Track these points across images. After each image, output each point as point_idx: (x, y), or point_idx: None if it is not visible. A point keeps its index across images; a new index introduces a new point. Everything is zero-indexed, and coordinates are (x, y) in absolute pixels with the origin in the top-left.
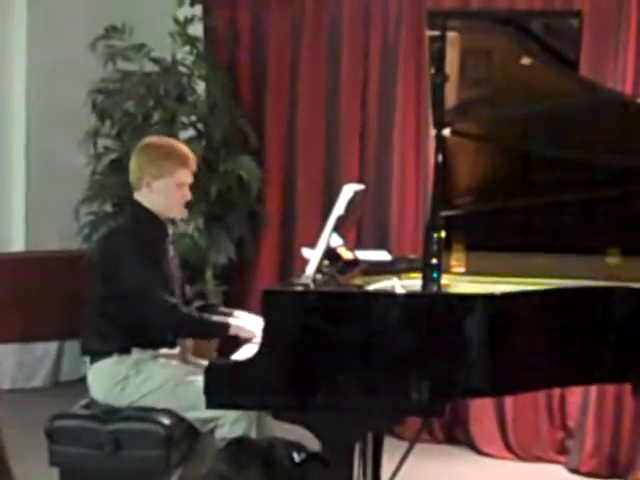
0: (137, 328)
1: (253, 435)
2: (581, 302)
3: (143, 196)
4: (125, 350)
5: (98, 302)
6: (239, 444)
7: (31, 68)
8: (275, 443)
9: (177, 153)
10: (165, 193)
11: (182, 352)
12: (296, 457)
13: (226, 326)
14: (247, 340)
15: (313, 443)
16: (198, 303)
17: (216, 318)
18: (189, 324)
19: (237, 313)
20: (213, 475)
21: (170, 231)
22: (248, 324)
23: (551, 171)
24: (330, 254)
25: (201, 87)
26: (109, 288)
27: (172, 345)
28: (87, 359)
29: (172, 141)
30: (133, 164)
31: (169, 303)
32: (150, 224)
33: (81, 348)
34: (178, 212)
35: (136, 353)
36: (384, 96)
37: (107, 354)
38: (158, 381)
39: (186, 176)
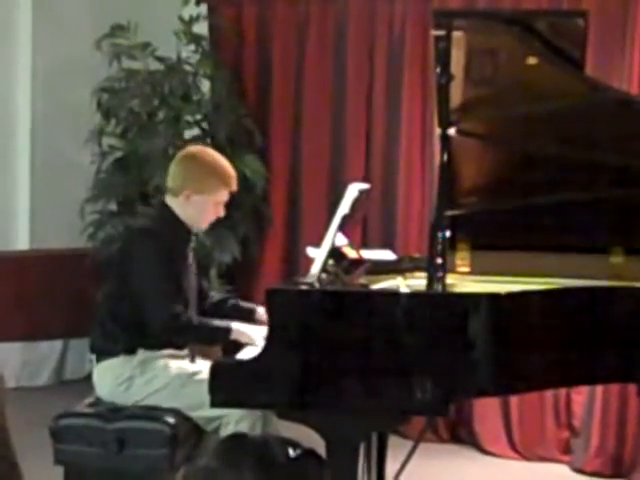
0: (144, 329)
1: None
2: (585, 302)
3: (176, 204)
4: (131, 351)
5: (108, 301)
6: (234, 441)
7: (36, 66)
8: (270, 439)
9: (224, 172)
10: (201, 209)
11: (191, 353)
12: (291, 453)
13: (227, 331)
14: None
15: (318, 442)
16: (219, 296)
17: (217, 323)
18: (189, 332)
19: (261, 309)
20: (209, 472)
21: (193, 238)
22: (250, 330)
23: (556, 170)
24: (335, 253)
25: (206, 86)
26: (121, 286)
27: (180, 347)
28: (93, 357)
29: (220, 158)
30: (176, 171)
31: (171, 311)
32: (175, 229)
33: (90, 346)
34: (205, 226)
35: (141, 353)
36: (390, 95)
37: (113, 354)
38: (163, 381)
39: (225, 196)
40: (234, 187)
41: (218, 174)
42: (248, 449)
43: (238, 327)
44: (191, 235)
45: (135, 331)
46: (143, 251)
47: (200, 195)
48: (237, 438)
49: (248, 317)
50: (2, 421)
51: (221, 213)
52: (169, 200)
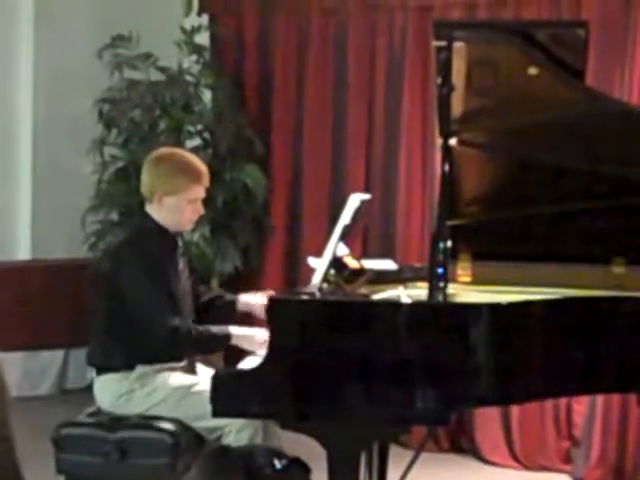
0: (141, 345)
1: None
2: (587, 312)
3: (154, 210)
4: (130, 367)
5: (104, 317)
6: (220, 454)
7: (38, 77)
8: (255, 451)
9: (191, 169)
10: (177, 209)
11: (190, 363)
12: (277, 464)
13: (227, 338)
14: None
15: (320, 451)
16: (207, 296)
17: (216, 331)
18: (190, 344)
19: (242, 298)
20: None
21: (180, 243)
22: (250, 334)
23: (557, 180)
24: (336, 263)
25: (207, 96)
26: (114, 304)
27: (180, 359)
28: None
29: (186, 155)
30: (145, 177)
31: (170, 325)
32: (158, 237)
33: (87, 359)
34: (188, 226)
35: (140, 367)
36: (390, 105)
37: (112, 369)
38: (162, 394)
39: (199, 192)
40: (206, 183)
41: (186, 172)
42: (234, 462)
43: (237, 332)
44: (177, 240)
45: (133, 347)
46: (128, 266)
47: (172, 196)
48: (223, 451)
49: (231, 311)
50: (7, 432)
51: (201, 211)
52: (147, 208)
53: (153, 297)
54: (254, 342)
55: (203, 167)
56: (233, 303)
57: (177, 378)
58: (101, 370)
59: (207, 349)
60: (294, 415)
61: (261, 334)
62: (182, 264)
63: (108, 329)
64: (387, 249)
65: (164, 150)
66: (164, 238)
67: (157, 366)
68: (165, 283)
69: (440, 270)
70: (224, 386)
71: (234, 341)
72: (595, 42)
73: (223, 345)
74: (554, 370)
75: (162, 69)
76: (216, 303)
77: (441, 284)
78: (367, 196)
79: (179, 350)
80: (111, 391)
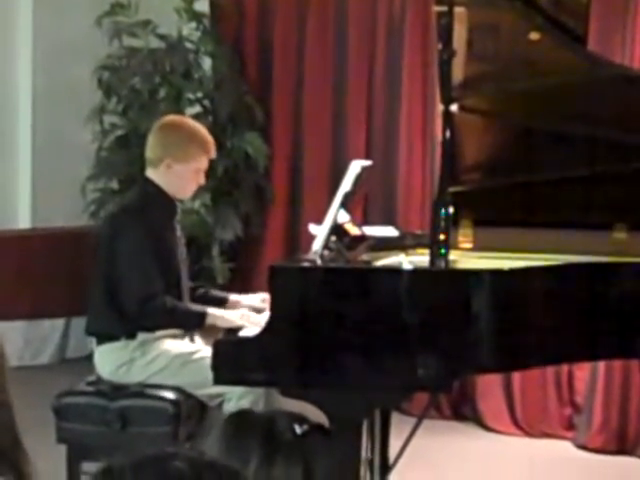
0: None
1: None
2: (588, 277)
3: (159, 174)
4: (131, 334)
5: (102, 284)
6: (240, 418)
7: (37, 45)
8: (276, 416)
9: (202, 139)
10: (183, 177)
11: (189, 333)
12: (298, 429)
13: (202, 316)
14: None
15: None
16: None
17: (194, 308)
18: (161, 316)
19: (233, 297)
20: (215, 450)
21: (178, 210)
22: (228, 313)
23: (558, 146)
24: (337, 230)
25: (207, 63)
26: (111, 269)
27: (156, 329)
28: (93, 338)
29: (196, 124)
30: (154, 141)
31: (146, 292)
32: (160, 203)
33: (86, 329)
34: (188, 196)
35: (142, 335)
36: (391, 72)
37: (113, 338)
38: (163, 362)
39: (205, 163)
40: (213, 153)
41: (198, 141)
42: (254, 426)
43: (214, 311)
44: (176, 206)
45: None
46: (128, 232)
47: (181, 163)
48: (243, 415)
49: (218, 306)
50: (6, 398)
51: (202, 181)
52: (150, 173)
53: (141, 264)
54: (232, 322)
55: (212, 138)
56: (221, 301)
57: (178, 345)
58: (101, 339)
59: (179, 324)
60: (295, 382)
61: (239, 312)
62: (179, 230)
63: (107, 296)
64: (388, 216)
65: (177, 117)
66: (165, 204)
67: (159, 333)
68: (162, 254)
69: (442, 237)
70: (226, 353)
71: (210, 320)
72: (596, 6)
73: (198, 323)
74: (556, 336)
75: (161, 36)
76: (197, 294)
77: (442, 250)
78: (368, 162)
79: (150, 320)
80: (111, 360)
